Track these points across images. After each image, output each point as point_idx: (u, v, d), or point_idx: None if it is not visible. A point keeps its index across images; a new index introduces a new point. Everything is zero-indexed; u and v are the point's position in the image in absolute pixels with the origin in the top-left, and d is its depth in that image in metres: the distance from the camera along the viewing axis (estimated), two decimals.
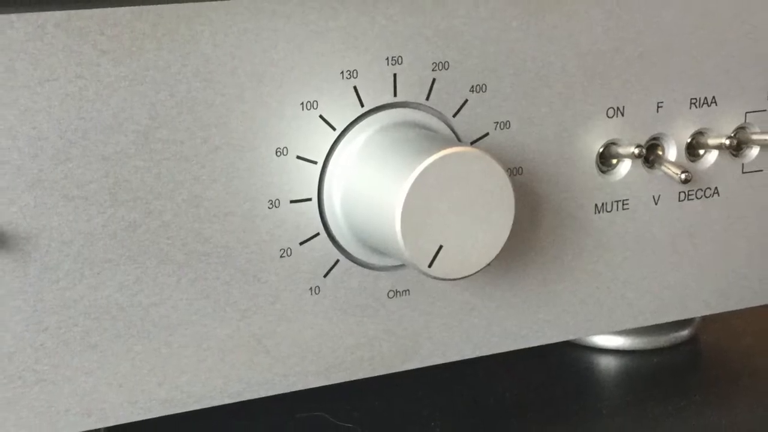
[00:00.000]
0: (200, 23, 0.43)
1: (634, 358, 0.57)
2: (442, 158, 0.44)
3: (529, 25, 0.49)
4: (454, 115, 0.48)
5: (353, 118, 0.47)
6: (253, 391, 0.47)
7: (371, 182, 0.45)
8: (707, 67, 0.52)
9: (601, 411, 0.53)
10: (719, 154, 0.53)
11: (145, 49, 0.43)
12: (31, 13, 0.41)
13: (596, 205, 0.52)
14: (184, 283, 0.45)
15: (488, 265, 0.46)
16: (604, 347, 0.58)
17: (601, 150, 0.51)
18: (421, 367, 0.50)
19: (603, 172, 0.52)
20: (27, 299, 0.43)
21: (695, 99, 0.53)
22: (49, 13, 0.41)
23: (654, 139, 0.52)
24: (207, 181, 0.45)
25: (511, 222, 0.46)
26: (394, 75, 0.47)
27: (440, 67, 0.48)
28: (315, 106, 0.46)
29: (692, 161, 0.53)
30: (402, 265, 0.48)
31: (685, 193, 0.53)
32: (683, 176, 0.51)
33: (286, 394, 0.47)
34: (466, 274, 0.46)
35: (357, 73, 0.46)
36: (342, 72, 0.46)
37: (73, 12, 0.42)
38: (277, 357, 0.47)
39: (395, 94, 0.47)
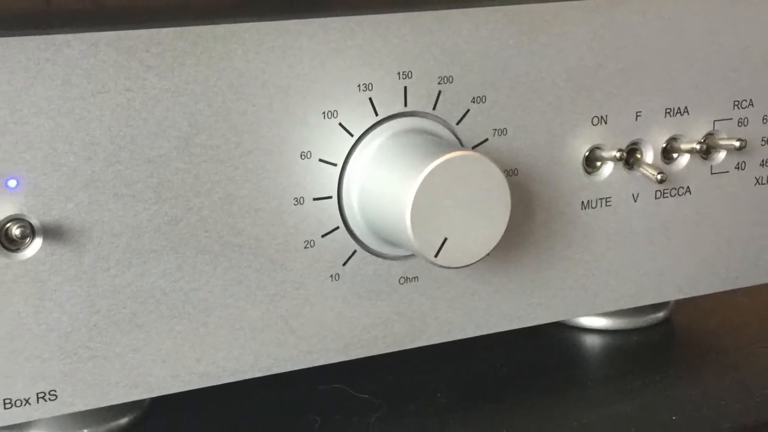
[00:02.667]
0: (234, 42, 0.43)
1: (616, 336, 0.57)
2: (446, 161, 0.44)
3: (524, 44, 0.49)
4: (458, 123, 0.48)
5: (369, 126, 0.46)
6: (281, 366, 0.47)
7: (385, 182, 0.45)
8: (680, 80, 0.52)
9: (586, 383, 0.53)
10: (691, 158, 0.53)
11: (185, 64, 0.43)
12: (85, 34, 0.41)
13: (582, 202, 0.51)
14: (220, 270, 0.45)
15: (488, 255, 0.46)
16: (589, 327, 0.57)
17: (586, 154, 0.51)
18: (428, 344, 0.50)
19: (588, 173, 0.51)
20: (82, 285, 0.43)
21: (669, 109, 0.52)
22: (101, 33, 0.41)
23: (633, 144, 0.52)
24: (240, 181, 0.44)
25: (507, 217, 0.46)
26: (405, 88, 0.47)
27: (445, 81, 0.47)
28: (335, 115, 0.46)
29: (667, 164, 0.53)
30: (412, 255, 0.48)
31: (660, 191, 0.53)
32: (659, 177, 0.51)
33: (309, 368, 0.47)
34: (468, 263, 0.46)
35: (372, 85, 0.46)
36: (359, 85, 0.46)
37: (122, 32, 0.42)
38: (302, 336, 0.47)
39: (406, 105, 0.47)
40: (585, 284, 0.52)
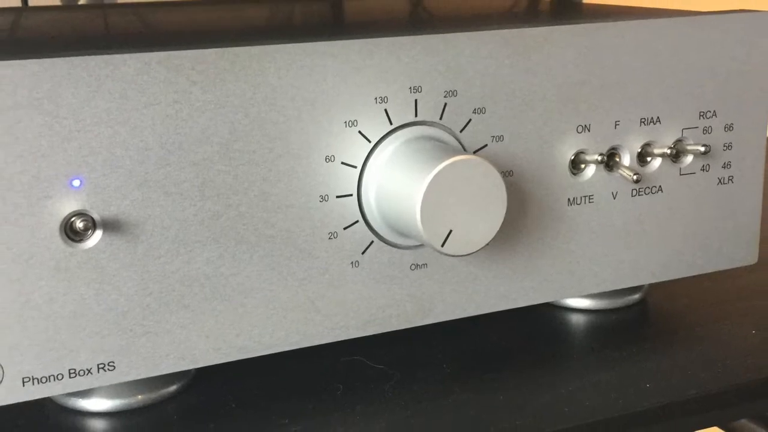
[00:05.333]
0: (268, 61, 0.43)
1: (598, 315, 0.56)
2: (451, 164, 0.44)
3: (518, 63, 0.48)
4: (461, 131, 0.48)
5: (384, 133, 0.46)
6: (308, 341, 0.47)
7: (398, 182, 0.45)
8: (653, 94, 0.52)
9: (572, 355, 0.52)
10: (662, 161, 0.53)
11: (226, 80, 0.43)
12: (139, 54, 0.41)
13: (569, 199, 0.51)
14: (256, 258, 0.44)
15: (487, 244, 0.46)
16: (575, 307, 0.57)
17: (572, 157, 0.50)
18: (436, 322, 0.49)
19: (574, 174, 0.51)
20: (136, 271, 0.42)
21: (644, 119, 0.52)
22: (153, 53, 0.41)
23: (613, 149, 0.51)
24: (273, 180, 0.44)
25: (504, 212, 0.46)
26: (416, 100, 0.46)
27: (450, 95, 0.47)
28: (355, 124, 0.45)
29: (642, 166, 0.52)
30: (421, 245, 0.48)
31: (636, 190, 0.52)
32: (635, 177, 0.50)
33: (332, 342, 0.47)
34: (470, 252, 0.46)
35: (387, 98, 0.46)
36: (376, 98, 0.45)
37: (171, 53, 0.42)
38: (326, 315, 0.46)
39: (416, 115, 0.46)
40: (571, 270, 0.52)
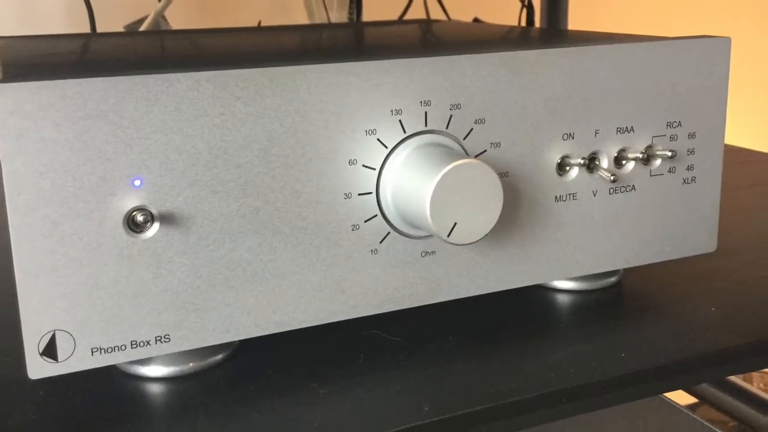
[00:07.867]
0: (300, 79, 0.43)
1: (580, 295, 0.56)
2: (456, 166, 0.44)
3: (513, 80, 0.48)
4: (464, 138, 0.47)
5: (399, 140, 0.46)
6: (334, 317, 0.46)
7: (411, 182, 0.44)
8: (627, 107, 0.51)
9: (558, 329, 0.52)
10: (635, 164, 0.52)
11: (264, 95, 0.42)
12: (190, 73, 0.41)
13: (556, 196, 0.50)
14: (290, 247, 0.44)
15: (486, 235, 0.46)
16: (561, 288, 0.56)
17: (558, 161, 0.50)
18: (443, 301, 0.49)
19: (560, 175, 0.50)
20: (188, 257, 0.42)
21: (620, 128, 0.51)
22: (202, 72, 0.41)
23: (593, 153, 0.51)
24: (304, 181, 0.44)
25: (500, 207, 0.45)
26: (426, 112, 0.46)
27: (455, 108, 0.46)
28: (374, 132, 0.45)
29: (618, 168, 0.52)
30: (430, 235, 0.47)
31: (613, 189, 0.52)
32: (612, 178, 0.50)
33: (355, 318, 0.47)
34: (472, 241, 0.45)
35: (401, 111, 0.45)
36: (391, 110, 0.45)
37: (218, 72, 0.41)
38: (350, 294, 0.46)
39: (426, 125, 0.46)
40: (557, 257, 0.51)
